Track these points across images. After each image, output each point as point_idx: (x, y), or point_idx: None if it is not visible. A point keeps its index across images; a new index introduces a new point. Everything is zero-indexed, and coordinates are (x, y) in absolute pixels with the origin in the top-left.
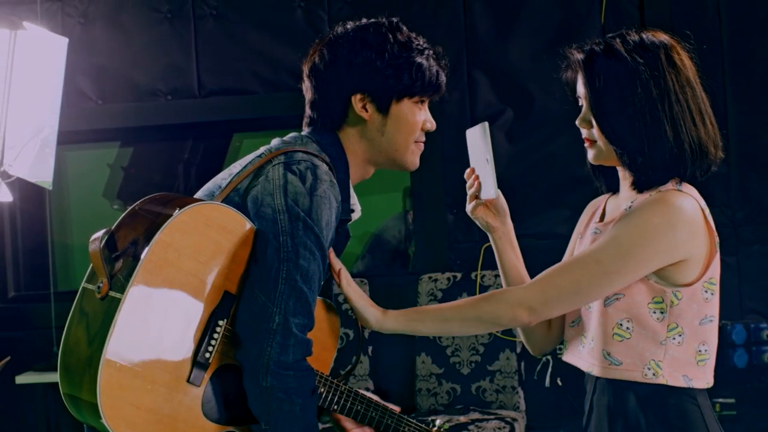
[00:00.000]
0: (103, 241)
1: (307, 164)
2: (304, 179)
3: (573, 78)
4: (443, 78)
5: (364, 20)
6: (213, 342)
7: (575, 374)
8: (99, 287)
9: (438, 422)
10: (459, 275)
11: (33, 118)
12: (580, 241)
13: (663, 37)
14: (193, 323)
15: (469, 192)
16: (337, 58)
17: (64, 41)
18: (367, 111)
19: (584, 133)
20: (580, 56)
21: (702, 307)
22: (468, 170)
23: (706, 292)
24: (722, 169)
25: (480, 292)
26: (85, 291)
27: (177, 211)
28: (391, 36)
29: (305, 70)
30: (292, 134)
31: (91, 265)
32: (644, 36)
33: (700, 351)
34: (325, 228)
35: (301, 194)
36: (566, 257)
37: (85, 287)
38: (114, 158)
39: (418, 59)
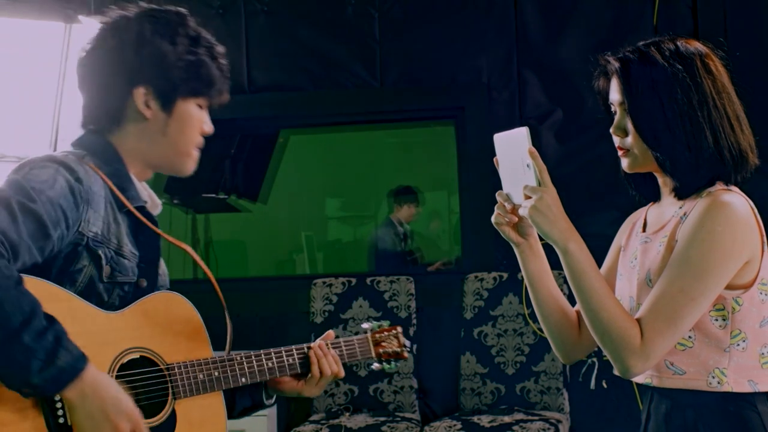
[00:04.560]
0: None
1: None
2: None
3: (605, 86)
4: (227, 83)
5: (143, 4)
6: None
7: (621, 377)
8: None
9: (366, 325)
10: (505, 275)
11: None
12: (624, 253)
13: (697, 45)
14: None
15: (499, 198)
16: (124, 45)
17: None
18: (149, 108)
19: (617, 141)
20: (616, 64)
21: (760, 309)
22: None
23: (761, 293)
24: None
25: (526, 294)
26: None
27: None
28: (181, 29)
29: (79, 59)
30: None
31: None
32: (679, 44)
33: (763, 354)
34: (47, 188)
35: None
36: (605, 269)
37: None
38: None
39: (208, 58)
